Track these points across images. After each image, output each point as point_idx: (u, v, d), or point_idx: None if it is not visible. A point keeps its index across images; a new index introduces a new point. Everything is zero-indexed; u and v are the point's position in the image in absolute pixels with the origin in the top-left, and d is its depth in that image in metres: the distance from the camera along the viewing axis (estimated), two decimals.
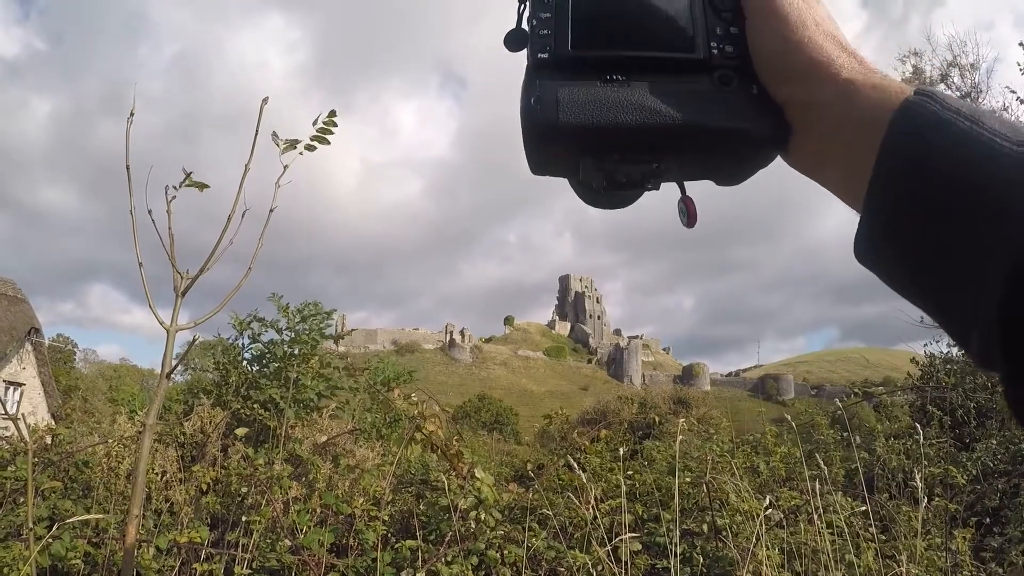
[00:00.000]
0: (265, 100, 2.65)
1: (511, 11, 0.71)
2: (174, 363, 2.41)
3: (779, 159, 0.69)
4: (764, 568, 3.56)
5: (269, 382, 6.30)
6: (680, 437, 4.25)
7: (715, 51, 0.67)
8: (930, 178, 0.52)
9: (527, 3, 0.70)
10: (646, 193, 0.71)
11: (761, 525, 3.69)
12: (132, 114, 2.60)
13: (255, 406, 5.84)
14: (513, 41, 0.69)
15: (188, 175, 2.66)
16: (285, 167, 2.79)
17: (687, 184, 0.71)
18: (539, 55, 0.67)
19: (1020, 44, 11.54)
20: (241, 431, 4.72)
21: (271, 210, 2.80)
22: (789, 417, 5.00)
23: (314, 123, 2.91)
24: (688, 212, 0.68)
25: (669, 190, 0.71)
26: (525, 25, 0.69)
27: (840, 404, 5.79)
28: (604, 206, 0.75)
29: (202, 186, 2.72)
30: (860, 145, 0.58)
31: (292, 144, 2.81)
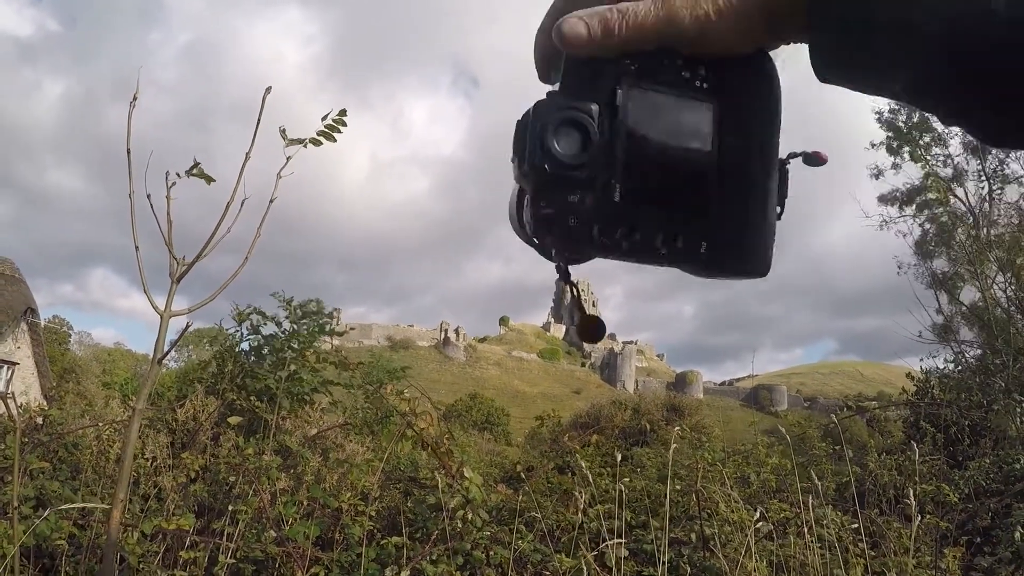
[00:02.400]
0: (268, 89, 2.63)
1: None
2: (167, 349, 2.39)
3: None
4: None
5: (266, 373, 6.29)
6: (674, 445, 4.22)
7: (704, 85, 0.65)
8: None
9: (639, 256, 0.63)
10: None
11: (750, 536, 3.67)
12: (135, 98, 2.58)
13: (251, 397, 5.83)
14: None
15: (196, 164, 2.65)
16: (288, 159, 2.77)
17: None
18: (682, 267, 0.64)
19: None
20: (234, 420, 4.71)
21: (271, 200, 2.79)
22: (784, 429, 4.98)
23: (323, 119, 2.90)
24: (818, 156, 0.70)
25: None
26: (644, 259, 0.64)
27: (835, 419, 5.77)
28: None
29: (209, 179, 2.70)
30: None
31: (297, 141, 2.79)
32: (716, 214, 0.63)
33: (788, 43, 0.68)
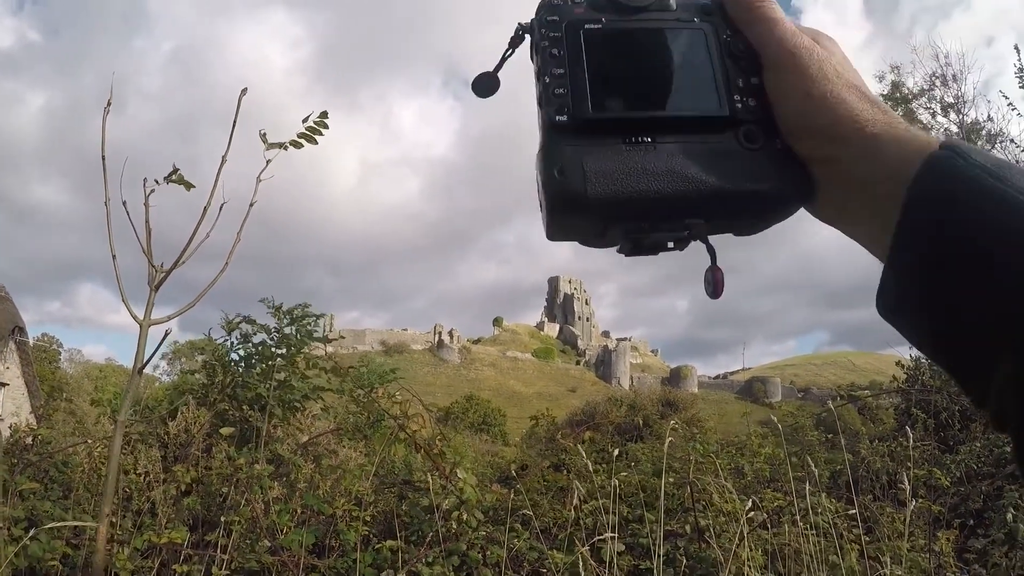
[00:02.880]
0: (244, 91, 2.62)
1: (519, 13, 0.69)
2: (147, 358, 2.37)
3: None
4: (747, 569, 3.55)
5: (256, 382, 6.25)
6: (669, 439, 4.22)
7: (738, 105, 0.65)
8: (953, 238, 0.52)
9: (535, 56, 0.66)
10: None
11: (744, 526, 3.67)
12: (109, 103, 2.57)
13: (243, 406, 5.80)
14: (483, 86, 0.69)
15: (175, 171, 2.63)
16: (267, 162, 2.76)
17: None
18: (556, 118, 0.63)
19: (1015, 47, 11.66)
20: (226, 430, 4.68)
21: (251, 204, 2.78)
22: (776, 419, 4.99)
23: (304, 120, 2.89)
24: (715, 283, 0.65)
25: None
26: (536, 81, 0.66)
27: (831, 406, 5.78)
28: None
29: (188, 185, 2.69)
30: (885, 201, 0.57)
31: (277, 144, 2.79)
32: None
33: (853, 236, 0.65)
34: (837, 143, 0.61)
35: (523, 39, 0.69)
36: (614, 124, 0.63)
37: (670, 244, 0.65)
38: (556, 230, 0.65)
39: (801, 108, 0.63)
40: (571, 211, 0.62)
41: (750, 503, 3.75)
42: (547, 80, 0.63)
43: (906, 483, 3.90)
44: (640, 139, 0.62)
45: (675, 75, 0.65)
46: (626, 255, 0.66)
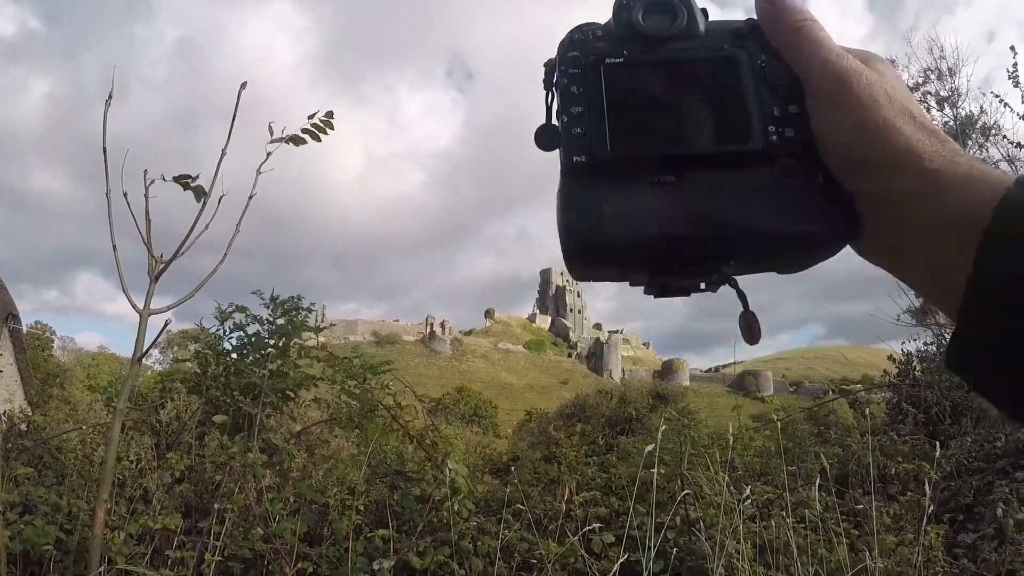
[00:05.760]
0: (243, 85, 2.63)
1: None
2: (147, 347, 2.39)
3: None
4: (736, 561, 3.57)
5: (250, 370, 6.26)
6: (663, 427, 4.24)
7: (774, 137, 0.59)
8: None
9: (555, 95, 0.62)
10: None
11: (733, 519, 3.70)
12: (110, 96, 2.57)
13: (235, 394, 5.81)
14: (545, 139, 0.62)
15: (192, 178, 2.64)
16: (268, 154, 2.78)
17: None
18: (574, 159, 0.59)
19: (1011, 48, 11.74)
20: (219, 418, 4.70)
21: (250, 196, 2.79)
22: (775, 416, 5.01)
23: (310, 118, 2.90)
24: (751, 329, 0.62)
25: None
26: (555, 120, 0.62)
27: (830, 398, 5.81)
28: None
29: (200, 193, 2.70)
30: (950, 245, 0.51)
31: (280, 139, 2.80)
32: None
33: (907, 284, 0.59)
34: (894, 178, 0.54)
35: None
36: (635, 163, 0.59)
37: (702, 286, 0.62)
38: (578, 273, 0.62)
39: (852, 139, 0.56)
40: (589, 256, 0.59)
41: (748, 491, 3.76)
42: (565, 119, 0.60)
43: (893, 475, 3.93)
44: (663, 179, 0.58)
45: (702, 108, 0.61)
46: (654, 297, 0.63)
